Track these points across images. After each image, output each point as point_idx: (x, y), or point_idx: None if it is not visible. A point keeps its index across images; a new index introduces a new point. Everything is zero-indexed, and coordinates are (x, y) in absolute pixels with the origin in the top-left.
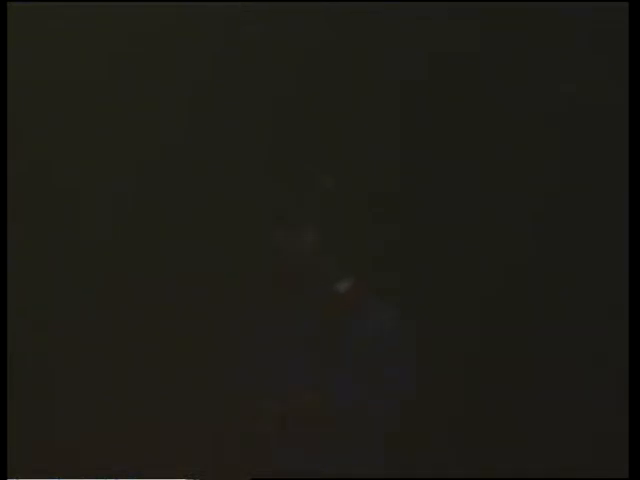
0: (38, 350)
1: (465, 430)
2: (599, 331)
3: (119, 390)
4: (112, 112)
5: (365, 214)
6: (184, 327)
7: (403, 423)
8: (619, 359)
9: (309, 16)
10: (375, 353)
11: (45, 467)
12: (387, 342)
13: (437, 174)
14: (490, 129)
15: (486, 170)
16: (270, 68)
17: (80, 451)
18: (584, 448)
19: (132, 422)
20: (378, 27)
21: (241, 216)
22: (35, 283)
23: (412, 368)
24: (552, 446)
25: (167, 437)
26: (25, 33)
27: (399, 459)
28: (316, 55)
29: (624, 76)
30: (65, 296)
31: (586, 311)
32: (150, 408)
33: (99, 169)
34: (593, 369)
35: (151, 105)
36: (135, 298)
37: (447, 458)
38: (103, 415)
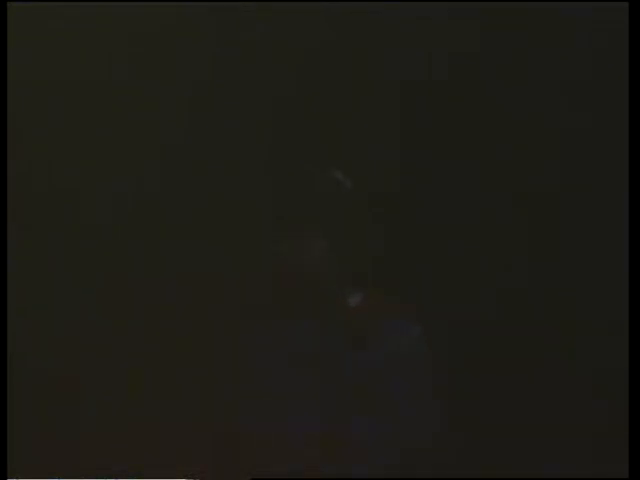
0: (38, 350)
1: (468, 431)
2: (600, 331)
3: (119, 390)
4: (112, 112)
5: (376, 217)
6: (184, 327)
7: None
8: (619, 359)
9: (309, 16)
10: (393, 375)
11: (45, 467)
12: (407, 360)
13: (437, 174)
14: (490, 129)
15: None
16: (270, 68)
17: (80, 451)
18: (584, 448)
19: (132, 422)
20: (378, 27)
21: (242, 217)
22: (35, 283)
23: (436, 394)
24: (552, 446)
25: (167, 437)
26: (25, 33)
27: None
28: (316, 55)
29: (624, 76)
30: (65, 296)
31: (587, 313)
32: (150, 408)
33: (99, 169)
34: (594, 369)
35: (151, 105)
36: (135, 298)
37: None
38: (103, 415)
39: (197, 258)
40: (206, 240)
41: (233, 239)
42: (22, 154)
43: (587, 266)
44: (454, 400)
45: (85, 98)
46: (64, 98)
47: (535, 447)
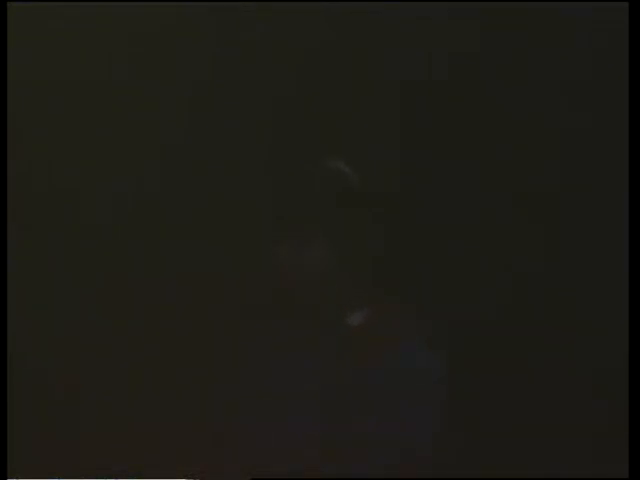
0: (38, 350)
1: (468, 432)
2: (600, 331)
3: (119, 390)
4: (111, 112)
5: (378, 217)
6: (184, 327)
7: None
8: (620, 359)
9: (309, 16)
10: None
11: (45, 467)
12: (423, 387)
13: (437, 174)
14: (490, 129)
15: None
16: (270, 68)
17: (80, 451)
18: (584, 448)
19: (132, 422)
20: (378, 27)
21: (241, 218)
22: (35, 283)
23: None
24: (552, 446)
25: (167, 437)
26: (25, 33)
27: None
28: (316, 55)
29: (624, 76)
30: (65, 296)
31: (587, 312)
32: (150, 408)
33: (99, 169)
34: (594, 369)
35: (151, 105)
36: (135, 298)
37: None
38: (103, 415)
39: (197, 258)
40: (206, 240)
41: (233, 239)
42: (22, 154)
43: (587, 266)
44: (455, 401)
45: (85, 98)
46: (64, 98)
47: (535, 447)
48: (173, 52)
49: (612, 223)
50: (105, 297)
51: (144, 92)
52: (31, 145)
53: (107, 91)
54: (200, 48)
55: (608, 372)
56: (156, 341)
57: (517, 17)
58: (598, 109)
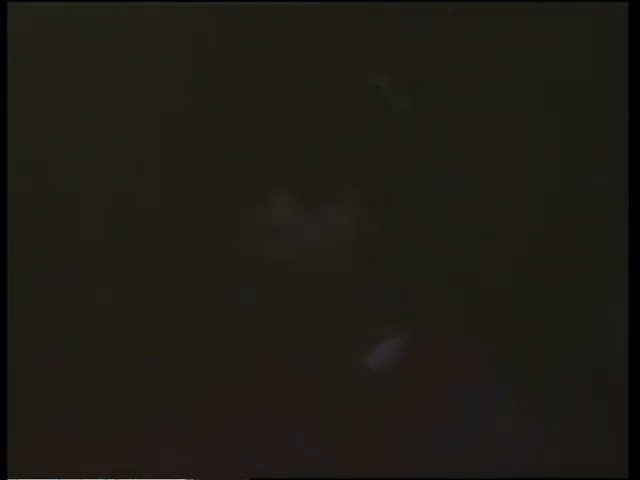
0: (38, 350)
1: None
2: (601, 332)
3: (120, 389)
4: (110, 110)
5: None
6: (185, 327)
7: None
8: (620, 356)
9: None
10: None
11: (45, 467)
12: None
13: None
14: (490, 128)
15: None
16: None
17: (80, 451)
18: (584, 448)
19: (132, 422)
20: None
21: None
22: (34, 282)
23: None
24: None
25: (167, 437)
26: (23, 32)
27: None
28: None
29: (624, 76)
30: (64, 295)
31: (587, 312)
32: (151, 408)
33: (97, 167)
34: (594, 368)
35: (149, 103)
36: (135, 298)
37: None
38: (104, 415)
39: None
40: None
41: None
42: (21, 153)
43: (587, 265)
44: None
45: (84, 96)
46: (63, 96)
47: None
48: (174, 51)
49: (612, 224)
50: (104, 296)
51: (143, 90)
52: (29, 143)
53: (106, 89)
54: (199, 47)
55: (608, 372)
56: (156, 340)
57: (516, 17)
58: (598, 109)
